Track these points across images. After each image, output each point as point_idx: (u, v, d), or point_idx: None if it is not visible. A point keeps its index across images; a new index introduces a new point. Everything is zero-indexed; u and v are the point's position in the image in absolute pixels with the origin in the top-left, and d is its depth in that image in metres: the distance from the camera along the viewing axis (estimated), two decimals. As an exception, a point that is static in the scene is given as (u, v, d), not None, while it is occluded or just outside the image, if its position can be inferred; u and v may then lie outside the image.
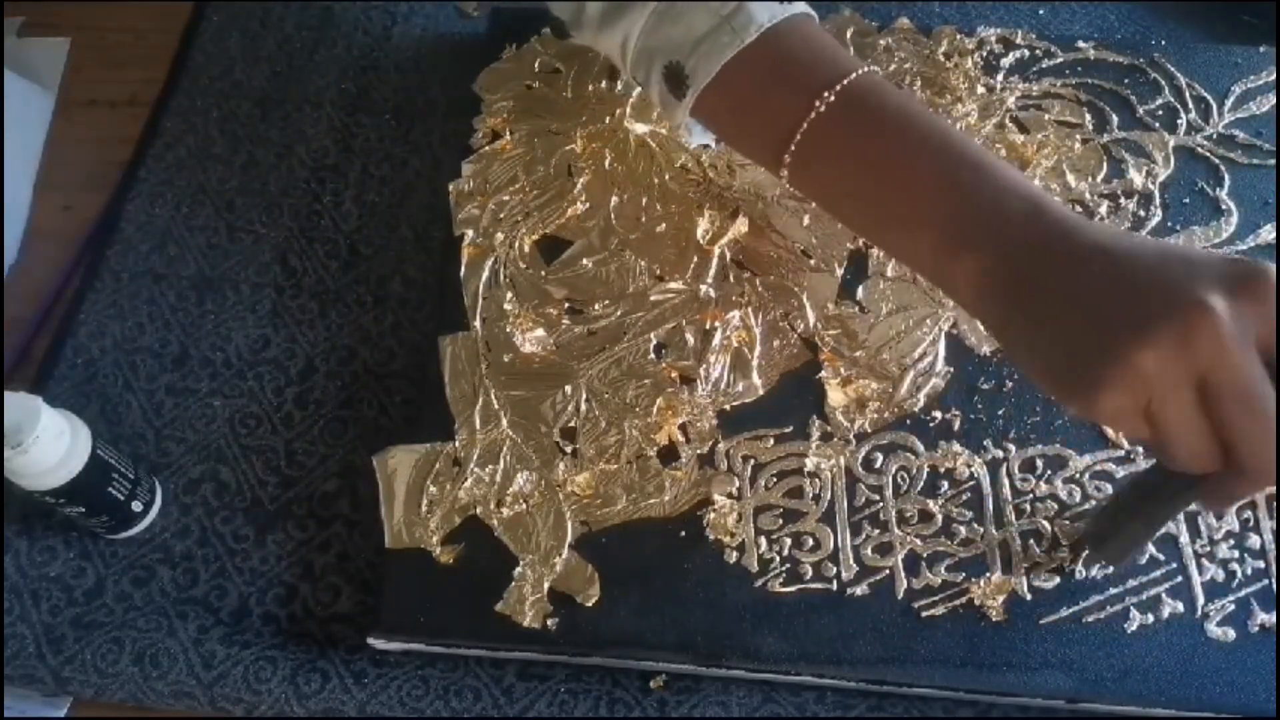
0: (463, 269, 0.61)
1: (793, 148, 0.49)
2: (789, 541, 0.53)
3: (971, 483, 0.54)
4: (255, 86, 0.72)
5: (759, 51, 0.50)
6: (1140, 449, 0.54)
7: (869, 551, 0.53)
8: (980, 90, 0.66)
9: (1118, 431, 0.50)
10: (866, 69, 0.49)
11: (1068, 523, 0.53)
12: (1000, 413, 0.56)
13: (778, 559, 0.52)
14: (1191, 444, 0.38)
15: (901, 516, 0.53)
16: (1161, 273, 0.39)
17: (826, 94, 0.48)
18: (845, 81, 0.48)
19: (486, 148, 0.65)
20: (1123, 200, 0.62)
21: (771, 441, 0.55)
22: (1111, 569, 0.51)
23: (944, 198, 0.45)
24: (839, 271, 0.60)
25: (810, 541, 0.53)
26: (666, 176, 0.63)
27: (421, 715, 0.52)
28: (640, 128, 0.65)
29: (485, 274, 0.60)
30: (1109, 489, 0.54)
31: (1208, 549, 0.52)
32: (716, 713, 0.51)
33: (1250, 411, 0.37)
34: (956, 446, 0.55)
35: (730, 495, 0.54)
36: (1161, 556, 0.52)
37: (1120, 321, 0.38)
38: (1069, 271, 0.41)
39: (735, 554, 0.52)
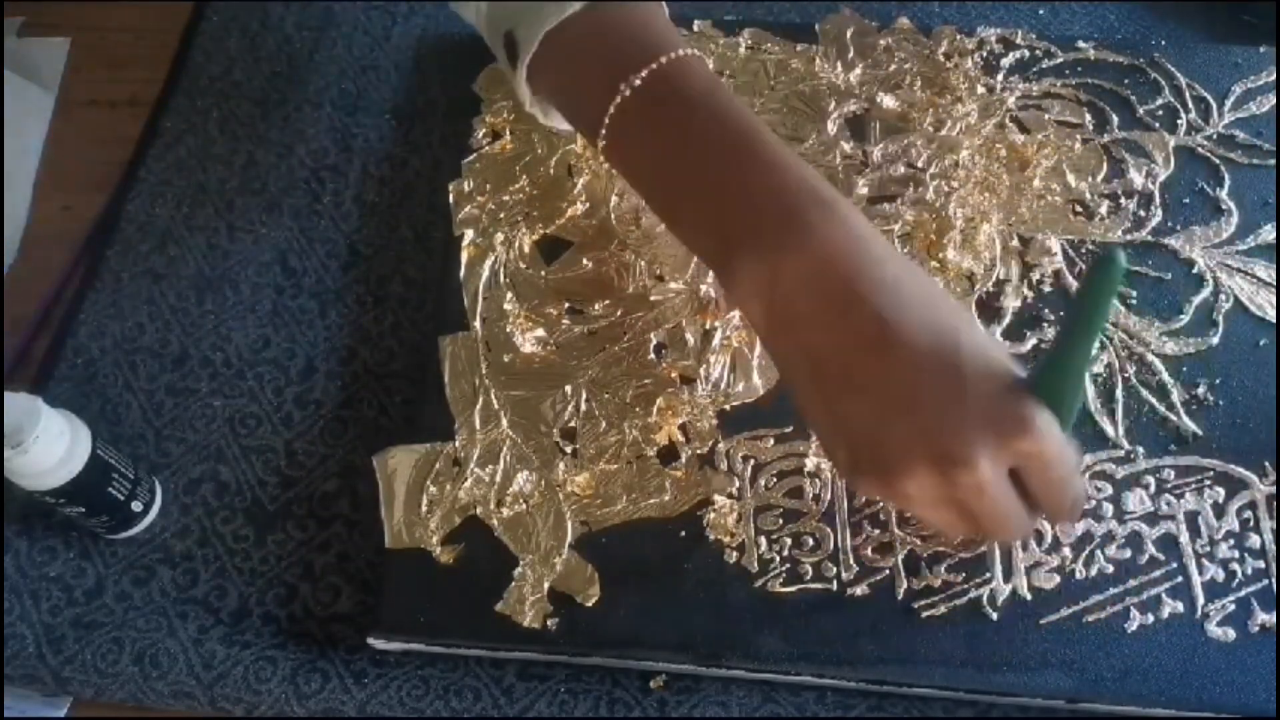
0: (463, 269, 0.61)
1: (603, 130, 0.47)
2: (789, 541, 0.53)
3: (971, 483, 0.54)
4: (255, 86, 0.72)
5: (580, 24, 0.48)
6: (1140, 448, 0.54)
7: (869, 551, 0.52)
8: (980, 90, 0.66)
9: (896, 506, 0.53)
10: (682, 53, 0.47)
11: None
12: (1000, 413, 0.56)
13: (778, 559, 0.52)
14: (947, 530, 0.47)
15: (902, 516, 0.53)
16: (933, 407, 0.40)
17: (633, 77, 0.46)
18: (653, 66, 0.46)
19: (486, 148, 0.65)
20: (1123, 200, 0.62)
21: (771, 441, 0.55)
22: (1111, 569, 0.51)
23: (722, 199, 0.44)
24: (839, 271, 0.60)
25: (810, 541, 0.53)
26: (666, 176, 0.63)
27: (421, 715, 0.52)
28: (640, 128, 0.65)
29: (485, 274, 0.60)
30: (1109, 489, 0.54)
31: (1208, 549, 0.52)
32: (716, 713, 0.51)
33: (1004, 529, 0.44)
34: (956, 446, 0.55)
35: (730, 495, 0.54)
36: (1161, 556, 0.52)
37: (887, 447, 0.41)
38: (839, 339, 0.42)
39: (735, 554, 0.52)
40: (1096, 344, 0.41)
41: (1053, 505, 0.44)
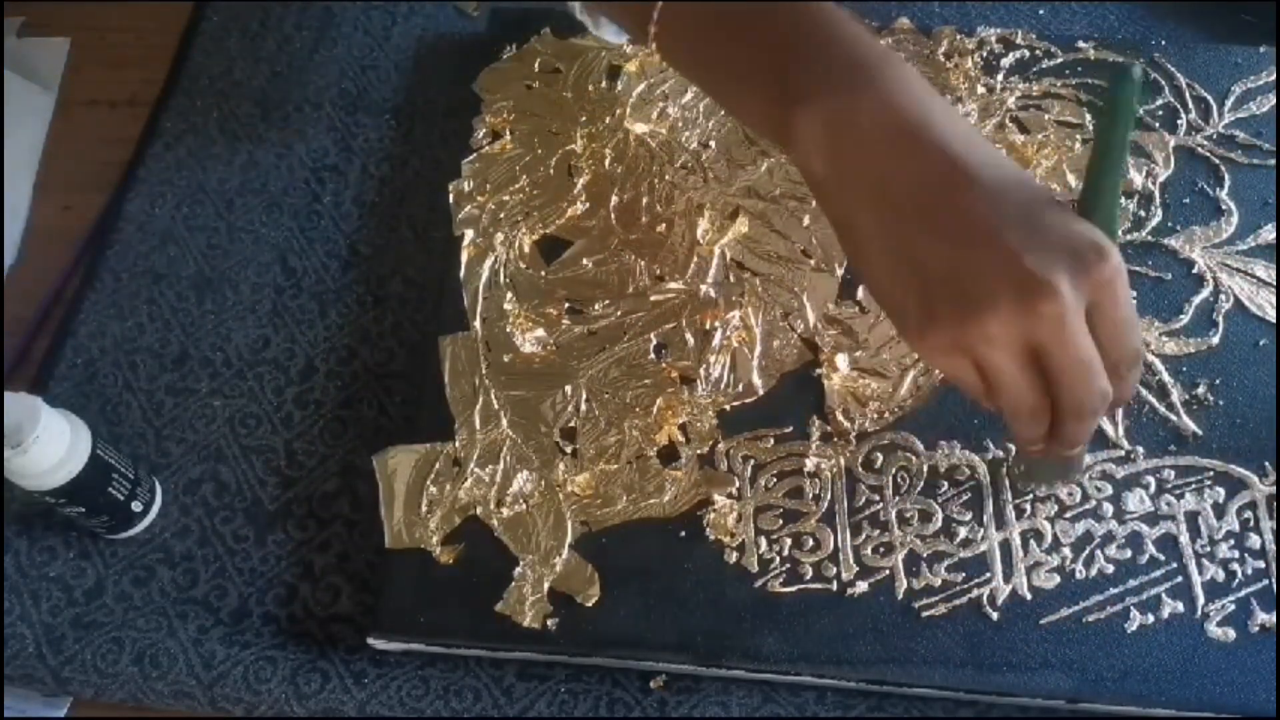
0: (463, 269, 0.61)
1: (655, 14, 0.47)
2: (789, 541, 0.53)
3: (971, 483, 0.54)
4: (255, 86, 0.72)
5: None
6: (1140, 448, 0.55)
7: (869, 551, 0.53)
8: (980, 90, 0.66)
9: (947, 373, 0.49)
10: None
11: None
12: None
13: (778, 559, 0.52)
14: (1018, 398, 0.42)
15: (901, 516, 0.53)
16: (1015, 237, 0.39)
17: None
18: None
19: (486, 148, 0.65)
20: (1123, 200, 0.62)
21: (771, 441, 0.55)
22: (1111, 569, 0.51)
23: (784, 53, 0.44)
24: (839, 271, 0.60)
25: (810, 541, 0.53)
26: (666, 176, 0.63)
27: (421, 715, 0.52)
28: (640, 128, 0.65)
29: (485, 274, 0.60)
30: (1109, 489, 0.54)
31: (1208, 549, 0.52)
32: (716, 713, 0.51)
33: (1080, 375, 0.41)
34: (957, 446, 0.55)
35: (730, 495, 0.54)
36: (1161, 556, 0.52)
37: (969, 280, 0.40)
38: (915, 176, 0.41)
39: (735, 554, 0.52)
40: (1128, 162, 0.40)
41: (1120, 349, 0.41)
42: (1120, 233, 0.39)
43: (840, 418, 0.56)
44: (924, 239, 0.41)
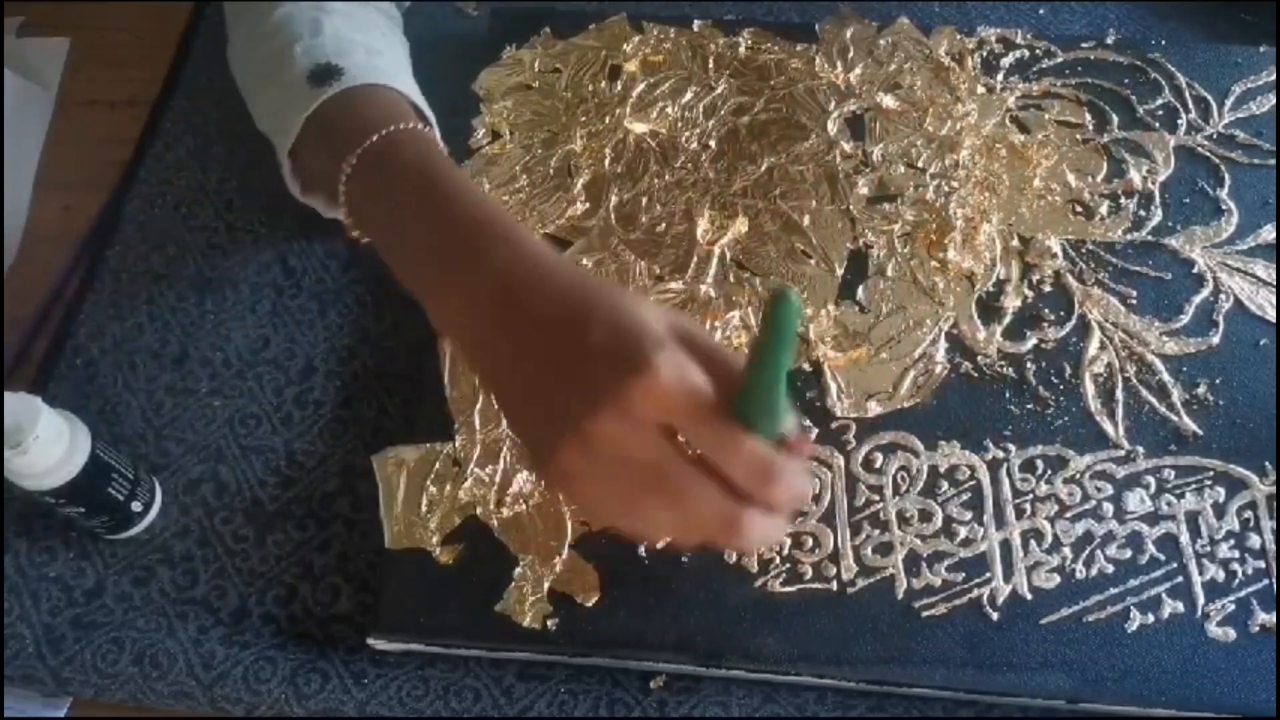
0: (463, 269, 0.61)
1: (343, 203, 0.52)
2: (789, 541, 0.53)
3: (971, 483, 0.54)
4: (255, 86, 0.72)
5: (317, 117, 0.54)
6: (1140, 448, 0.55)
7: (869, 551, 0.53)
8: (980, 90, 0.66)
9: (588, 518, 0.52)
10: (392, 129, 0.51)
11: None
12: (1000, 413, 0.56)
13: (778, 559, 0.52)
14: (644, 517, 0.42)
15: (901, 516, 0.53)
16: (561, 362, 0.42)
17: (350, 157, 0.51)
18: (360, 147, 0.51)
19: (486, 148, 0.65)
20: (1123, 200, 0.62)
21: (771, 441, 0.55)
22: (1112, 569, 0.51)
23: (425, 255, 0.48)
24: (839, 271, 0.60)
25: (810, 541, 0.53)
26: (666, 176, 0.63)
27: (421, 715, 0.51)
28: (640, 128, 0.65)
29: (485, 274, 0.60)
30: (1109, 489, 0.54)
31: (1208, 549, 0.52)
32: (716, 713, 0.51)
33: (669, 483, 0.40)
34: (956, 446, 0.55)
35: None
36: (1161, 556, 0.52)
37: (543, 420, 0.42)
38: (507, 340, 0.44)
39: (735, 554, 0.52)
40: (785, 373, 0.40)
41: (737, 472, 0.40)
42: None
43: (840, 417, 0.56)
44: (520, 403, 0.44)
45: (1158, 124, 0.65)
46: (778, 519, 0.42)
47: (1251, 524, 0.53)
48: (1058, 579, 0.51)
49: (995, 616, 0.51)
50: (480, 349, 0.46)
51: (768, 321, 0.39)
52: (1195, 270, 0.60)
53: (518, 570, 0.52)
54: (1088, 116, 0.65)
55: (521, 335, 0.43)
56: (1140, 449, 0.55)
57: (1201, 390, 0.56)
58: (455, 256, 0.46)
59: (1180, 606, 0.51)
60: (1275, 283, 0.59)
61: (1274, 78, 0.66)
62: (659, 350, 0.40)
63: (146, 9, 0.77)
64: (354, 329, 0.62)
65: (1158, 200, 0.62)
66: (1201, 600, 0.51)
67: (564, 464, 0.41)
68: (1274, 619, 0.50)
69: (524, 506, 0.54)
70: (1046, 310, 0.59)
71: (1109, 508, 0.53)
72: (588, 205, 0.63)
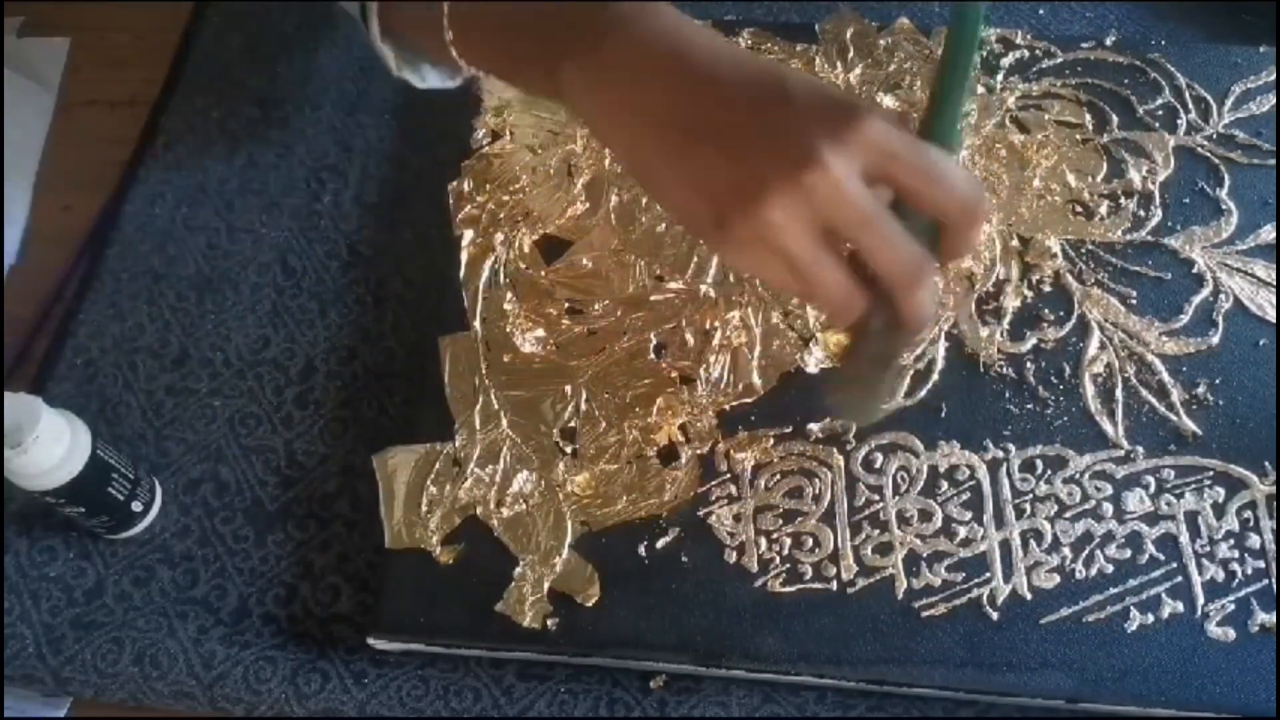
0: (463, 269, 0.61)
1: (447, 27, 0.49)
2: (789, 541, 0.53)
3: (971, 483, 0.54)
4: (255, 86, 0.72)
5: None
6: (1140, 448, 0.55)
7: (869, 551, 0.53)
8: (980, 90, 0.66)
9: (755, 274, 0.50)
10: None
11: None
12: (1000, 413, 0.56)
13: (778, 559, 0.52)
14: (827, 282, 0.42)
15: (901, 516, 0.53)
16: (770, 126, 0.41)
17: None
18: None
19: (486, 148, 0.65)
20: (1123, 200, 0.62)
21: (771, 441, 0.55)
22: (1111, 569, 0.51)
23: (545, 22, 0.46)
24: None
25: (810, 541, 0.53)
26: (666, 176, 0.63)
27: (421, 715, 0.52)
28: (640, 128, 0.65)
29: (485, 274, 0.60)
30: (1109, 489, 0.54)
31: (1208, 549, 0.52)
32: (716, 713, 0.51)
33: (872, 233, 0.41)
34: (956, 446, 0.55)
35: (730, 495, 0.54)
36: (1161, 556, 0.52)
37: (744, 177, 0.41)
38: (674, 99, 0.43)
39: (735, 554, 0.52)
40: (968, 96, 0.43)
41: (931, 196, 0.41)
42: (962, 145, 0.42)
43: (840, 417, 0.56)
44: (696, 153, 0.42)
45: (1157, 124, 0.65)
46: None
47: (1251, 524, 0.53)
48: (1057, 579, 0.51)
49: (995, 616, 0.51)
50: (631, 109, 0.44)
51: (952, 33, 0.43)
52: (1195, 270, 0.60)
53: (518, 570, 0.52)
54: (1087, 117, 0.65)
55: (697, 92, 0.42)
56: (1140, 449, 0.55)
57: (1201, 390, 0.56)
58: (591, 23, 0.44)
59: (1180, 606, 0.51)
60: (1275, 283, 0.59)
61: (1274, 78, 0.66)
62: (861, 99, 0.42)
63: (146, 9, 0.77)
64: (354, 329, 0.62)
65: (1158, 200, 0.62)
66: (1201, 600, 0.51)
67: (769, 214, 0.40)
68: (1274, 619, 0.50)
69: (524, 506, 0.54)
70: (1046, 310, 0.59)
71: (1108, 508, 0.53)
72: (588, 205, 0.63)
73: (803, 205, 0.40)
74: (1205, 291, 0.59)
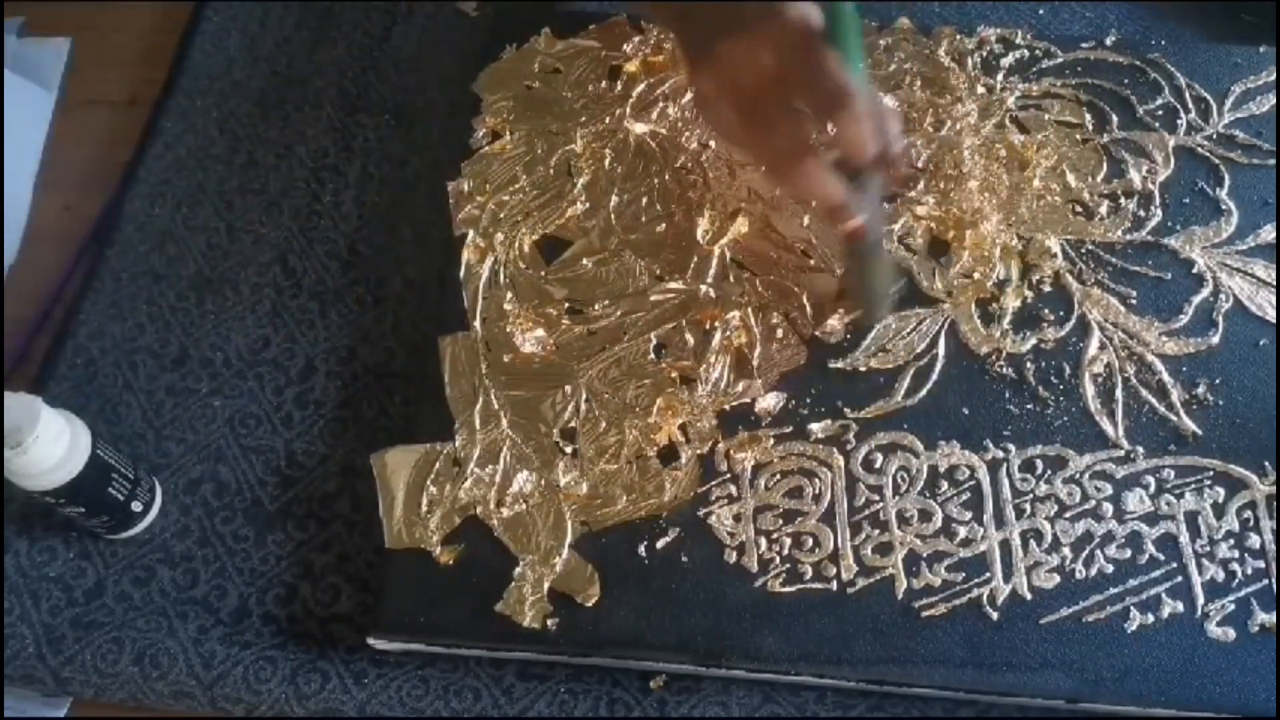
0: (463, 269, 0.61)
1: None
2: (789, 541, 0.53)
3: (971, 483, 0.54)
4: (255, 86, 0.72)
5: None
6: (1140, 448, 0.55)
7: (869, 551, 0.53)
8: (980, 90, 0.66)
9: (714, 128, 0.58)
10: None
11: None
12: (1000, 413, 0.56)
13: (778, 559, 0.52)
14: (744, 140, 0.53)
15: (901, 516, 0.53)
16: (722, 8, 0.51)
17: None
18: None
19: (486, 148, 0.65)
20: (1123, 200, 0.62)
21: (771, 441, 0.55)
22: (1111, 569, 0.51)
23: None
24: (839, 271, 0.60)
25: (810, 541, 0.53)
26: (666, 176, 0.63)
27: (421, 715, 0.52)
28: (640, 128, 0.65)
29: (485, 274, 0.60)
30: (1109, 489, 0.54)
31: (1208, 549, 0.52)
32: (716, 713, 0.51)
33: (759, 108, 0.51)
34: (956, 446, 0.55)
35: (730, 495, 0.54)
36: (1161, 556, 0.52)
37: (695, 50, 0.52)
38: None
39: (735, 554, 0.52)
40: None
41: (818, 92, 0.50)
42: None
43: (839, 417, 0.56)
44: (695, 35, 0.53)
45: (1157, 124, 0.64)
46: (827, 175, 0.51)
47: (1251, 524, 0.53)
48: (1057, 579, 0.51)
49: (995, 616, 0.51)
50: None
51: None
52: (1195, 270, 0.60)
53: (518, 570, 0.52)
54: (1087, 117, 0.65)
55: None
56: (1140, 449, 0.55)
57: (1201, 390, 0.56)
58: None
59: (1180, 606, 0.51)
60: (1275, 283, 0.59)
61: (1274, 78, 0.66)
62: (790, 4, 0.50)
63: (146, 9, 0.77)
64: (354, 329, 0.62)
65: (1158, 200, 0.62)
66: (1201, 600, 0.51)
67: (697, 82, 0.53)
68: (1274, 619, 0.50)
69: (524, 506, 0.54)
70: (1046, 310, 0.59)
71: (1108, 508, 0.53)
72: (588, 205, 0.63)
73: (714, 75, 0.52)
74: (1205, 291, 0.59)
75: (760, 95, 0.50)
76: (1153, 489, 0.54)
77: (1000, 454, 0.55)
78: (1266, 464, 0.54)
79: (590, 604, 0.51)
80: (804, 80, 0.50)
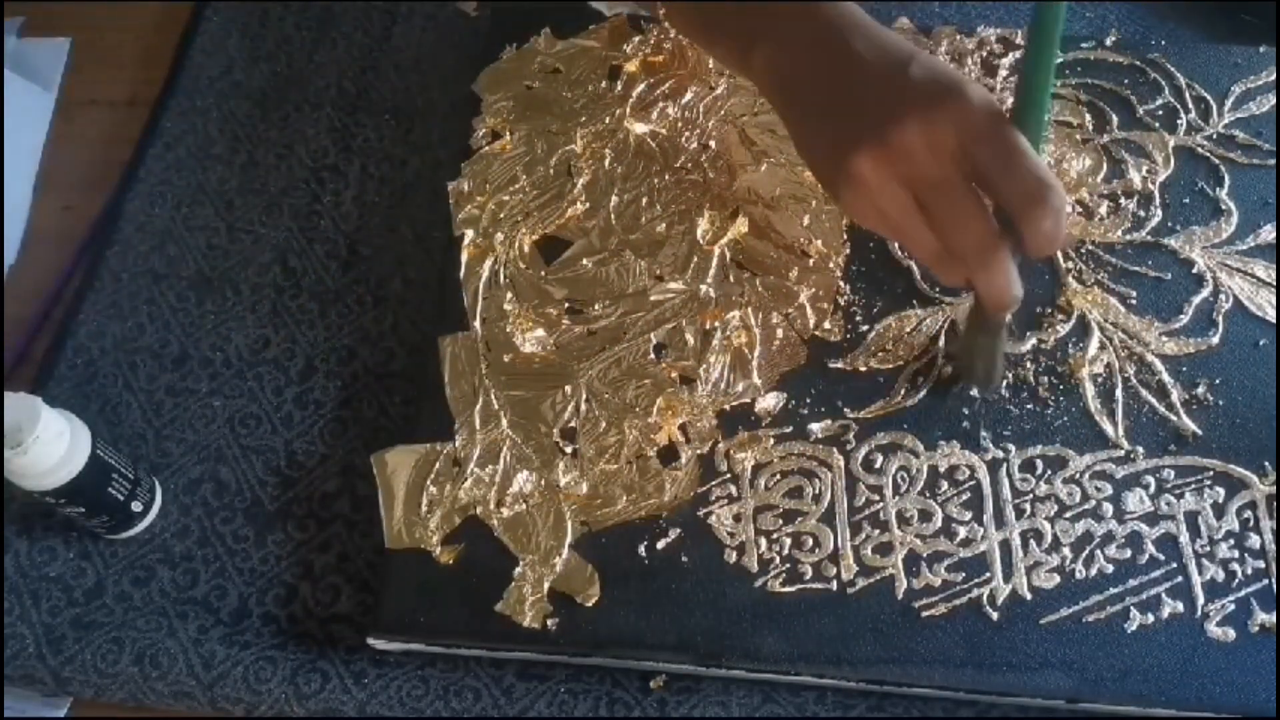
0: (463, 269, 0.61)
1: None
2: (789, 541, 0.53)
3: (971, 483, 0.54)
4: (255, 86, 0.72)
5: None
6: (1140, 448, 0.55)
7: (869, 551, 0.53)
8: (980, 90, 0.66)
9: (863, 224, 0.54)
10: None
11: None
12: (1000, 413, 0.56)
13: (778, 559, 0.52)
14: (913, 233, 0.48)
15: (901, 516, 0.53)
16: (878, 88, 0.48)
17: None
18: None
19: (486, 148, 0.65)
20: (1123, 200, 0.62)
21: (771, 441, 0.55)
22: (1111, 569, 0.51)
23: (749, 16, 0.54)
24: (839, 270, 0.60)
25: (810, 541, 0.53)
26: (666, 176, 0.63)
27: (421, 715, 0.52)
28: (640, 128, 0.65)
29: (485, 274, 0.60)
30: (1109, 489, 0.54)
31: (1208, 549, 0.52)
32: (716, 713, 0.51)
33: (942, 199, 0.46)
34: (956, 446, 0.55)
35: (730, 495, 0.54)
36: (1161, 556, 0.52)
37: (845, 129, 0.48)
38: (822, 73, 0.50)
39: (735, 554, 0.52)
40: (1051, 80, 0.48)
41: (1009, 182, 0.45)
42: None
43: (839, 416, 0.56)
44: (823, 113, 0.50)
45: (1157, 124, 0.65)
46: (1013, 271, 0.47)
47: (1251, 524, 0.53)
48: (1057, 579, 0.51)
49: (995, 616, 0.51)
50: (796, 81, 0.51)
51: (1033, 29, 0.47)
52: (1195, 270, 0.60)
53: (518, 570, 0.52)
54: (1087, 116, 0.65)
55: (842, 67, 0.49)
56: (1140, 449, 0.55)
57: (1201, 390, 0.56)
58: (784, 10, 0.52)
59: (1180, 606, 0.51)
60: (1275, 283, 0.59)
61: (1274, 78, 0.66)
62: (970, 84, 0.46)
63: (146, 9, 0.77)
64: (354, 329, 0.62)
65: (1158, 200, 0.62)
66: (1201, 600, 0.51)
67: (858, 168, 0.47)
68: (1274, 619, 0.50)
69: (524, 506, 0.54)
70: (1046, 310, 0.59)
71: (1108, 508, 0.53)
72: (588, 205, 0.63)
73: (885, 163, 0.46)
74: (1205, 291, 0.59)
75: (943, 183, 0.46)
76: (1153, 489, 0.54)
77: (1000, 454, 0.55)
78: (1266, 464, 0.54)
79: (590, 604, 0.51)
80: (995, 170, 0.45)
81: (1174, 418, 0.55)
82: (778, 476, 0.54)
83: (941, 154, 0.45)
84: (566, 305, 0.59)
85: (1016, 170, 0.44)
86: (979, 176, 0.45)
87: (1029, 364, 0.57)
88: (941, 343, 0.58)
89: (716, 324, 0.58)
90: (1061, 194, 0.44)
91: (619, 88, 0.66)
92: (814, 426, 0.56)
